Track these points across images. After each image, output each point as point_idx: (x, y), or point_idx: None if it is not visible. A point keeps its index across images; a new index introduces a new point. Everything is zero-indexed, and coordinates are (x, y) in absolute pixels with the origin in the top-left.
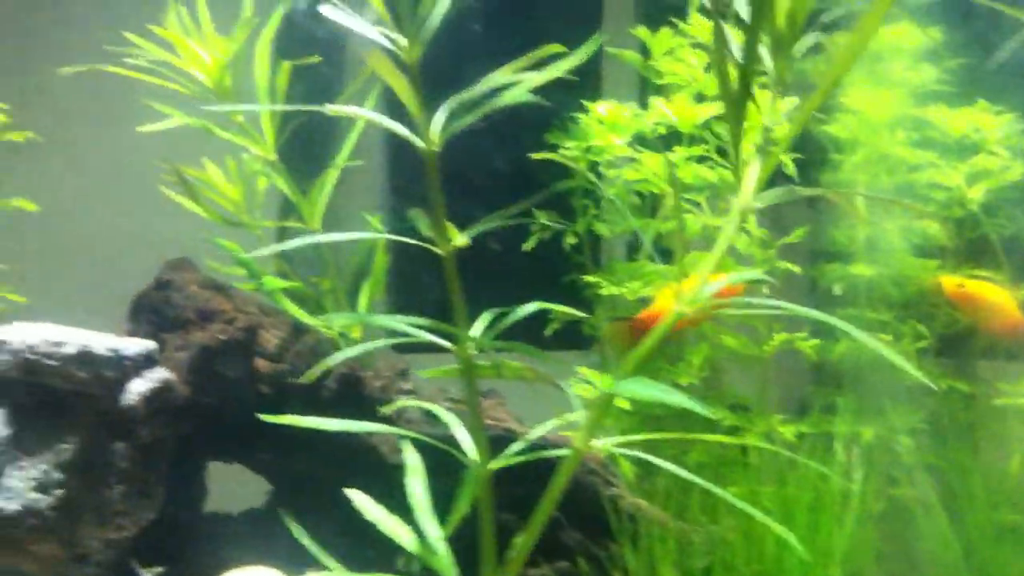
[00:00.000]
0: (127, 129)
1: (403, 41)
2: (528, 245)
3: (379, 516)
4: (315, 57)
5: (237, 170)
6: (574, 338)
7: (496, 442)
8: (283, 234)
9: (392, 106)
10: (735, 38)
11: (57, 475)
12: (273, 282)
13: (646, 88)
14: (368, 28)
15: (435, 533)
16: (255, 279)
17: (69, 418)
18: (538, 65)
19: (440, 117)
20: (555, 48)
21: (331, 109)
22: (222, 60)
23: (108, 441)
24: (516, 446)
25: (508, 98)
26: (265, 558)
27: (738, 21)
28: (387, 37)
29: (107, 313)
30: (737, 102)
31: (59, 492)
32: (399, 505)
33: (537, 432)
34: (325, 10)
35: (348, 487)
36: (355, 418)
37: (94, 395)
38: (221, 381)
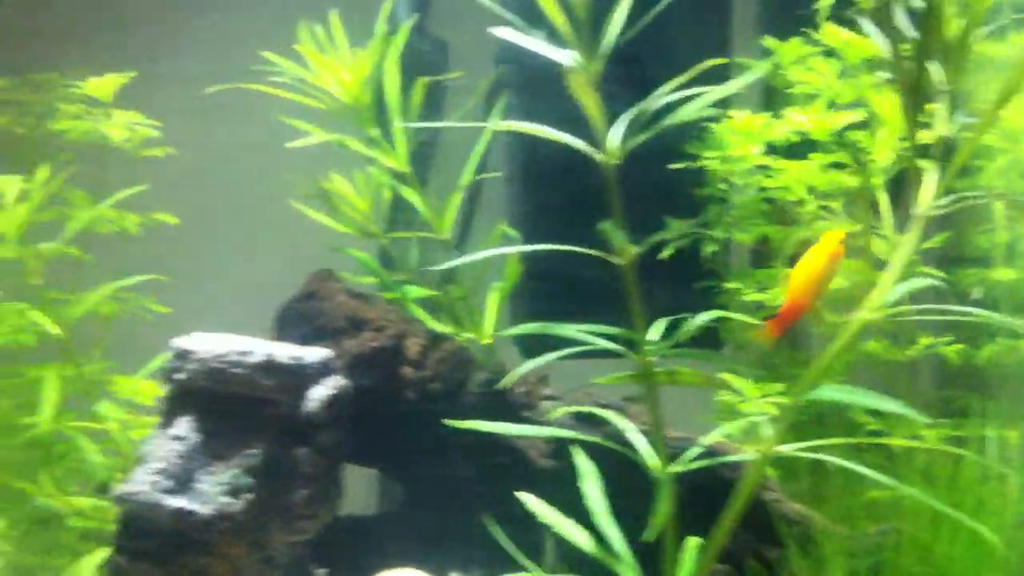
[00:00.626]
0: (257, 144)
1: (581, 59)
2: (665, 254)
3: (554, 518)
4: (457, 72)
5: (365, 183)
6: (706, 341)
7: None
8: (391, 244)
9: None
10: (898, 50)
11: (246, 480)
12: (415, 291)
13: (771, 97)
14: (544, 47)
15: (617, 537)
16: (389, 289)
17: (255, 425)
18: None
19: (619, 131)
20: (716, 62)
21: (501, 125)
22: (361, 76)
23: (291, 446)
24: (693, 451)
25: (686, 114)
26: (402, 560)
27: (892, 30)
28: (564, 55)
29: (240, 322)
30: (911, 112)
31: (248, 496)
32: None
33: (709, 438)
34: (499, 32)
35: (492, 491)
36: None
37: (278, 402)
38: (370, 387)
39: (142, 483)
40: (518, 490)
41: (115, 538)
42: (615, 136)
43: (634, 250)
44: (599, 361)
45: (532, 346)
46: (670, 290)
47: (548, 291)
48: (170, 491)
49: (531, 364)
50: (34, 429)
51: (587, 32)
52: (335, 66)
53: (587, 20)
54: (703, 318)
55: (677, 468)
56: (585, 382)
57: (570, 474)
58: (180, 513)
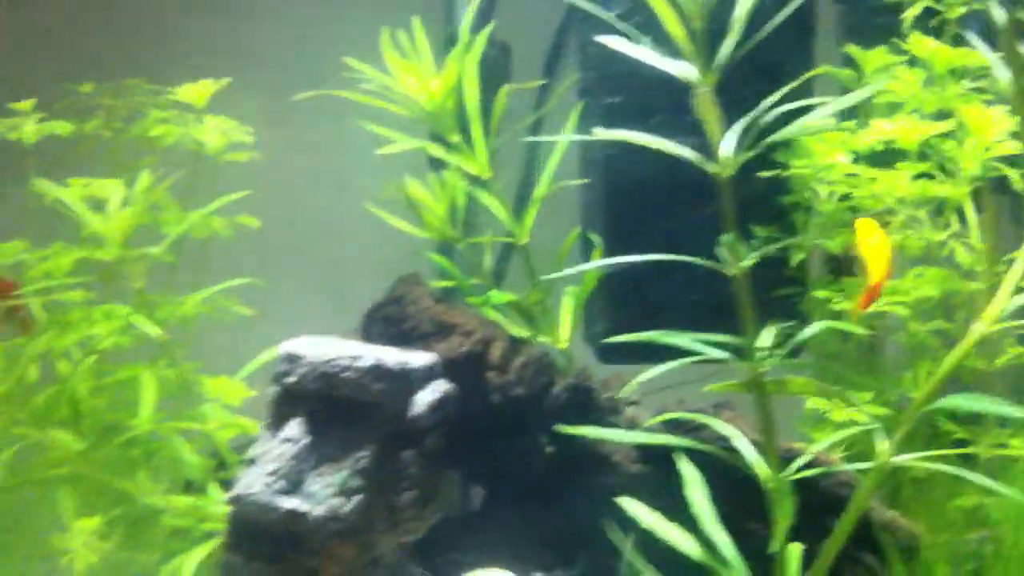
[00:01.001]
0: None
1: (696, 71)
2: (750, 261)
3: (657, 524)
4: (539, 80)
5: (440, 188)
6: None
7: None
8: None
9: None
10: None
11: (355, 481)
12: (499, 296)
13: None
14: (659, 59)
15: (727, 543)
16: (471, 293)
17: (363, 428)
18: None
19: (731, 143)
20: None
21: (600, 133)
22: (449, 85)
23: (398, 449)
24: (801, 460)
25: (802, 128)
26: (485, 558)
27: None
28: (678, 67)
29: (318, 326)
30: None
31: (357, 498)
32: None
33: (815, 447)
34: (611, 42)
35: (577, 496)
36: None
37: (386, 406)
38: (459, 391)
39: (256, 484)
40: (604, 495)
41: (228, 538)
42: (728, 147)
43: (748, 262)
44: (684, 371)
45: (609, 351)
46: (756, 298)
47: (625, 297)
48: (283, 492)
49: (651, 372)
50: (134, 429)
51: (704, 45)
52: (421, 74)
53: (703, 33)
54: (814, 328)
55: (790, 476)
56: (659, 390)
57: (659, 479)
58: (293, 514)
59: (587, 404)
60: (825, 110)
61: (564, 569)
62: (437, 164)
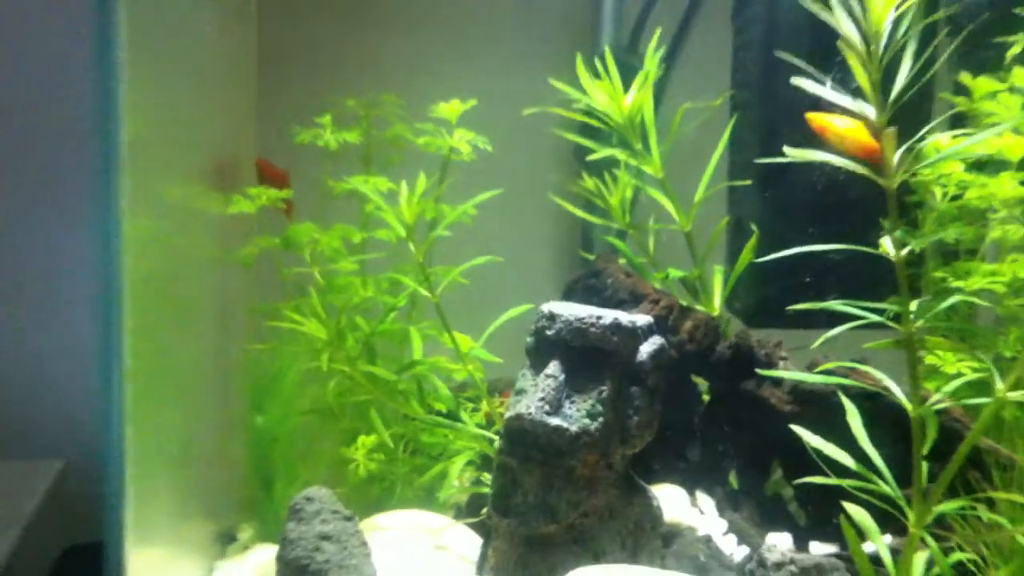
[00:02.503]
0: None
1: (873, 111)
2: (912, 247)
3: (820, 443)
4: (718, 101)
5: (612, 183)
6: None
7: (879, 399)
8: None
9: None
10: None
11: (599, 408)
12: (675, 272)
13: (962, 123)
14: (841, 98)
15: (877, 456)
16: (652, 271)
17: (604, 369)
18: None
19: (897, 160)
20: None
21: (791, 152)
22: (640, 103)
23: (628, 386)
24: (934, 398)
25: (956, 152)
26: (664, 476)
27: None
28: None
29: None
30: None
31: (601, 419)
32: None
33: (941, 392)
34: (801, 83)
35: (743, 433)
36: (745, 381)
37: (620, 353)
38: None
39: (532, 407)
40: (763, 430)
41: (506, 445)
42: (895, 165)
43: (909, 248)
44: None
45: (753, 316)
46: (888, 277)
47: (775, 274)
48: (549, 414)
49: (830, 334)
50: (410, 368)
51: (879, 89)
52: (613, 93)
53: (879, 80)
54: (950, 300)
55: (931, 408)
56: (793, 349)
57: (807, 419)
58: (557, 429)
59: (749, 359)
60: (976, 140)
61: (722, 486)
62: (589, 166)
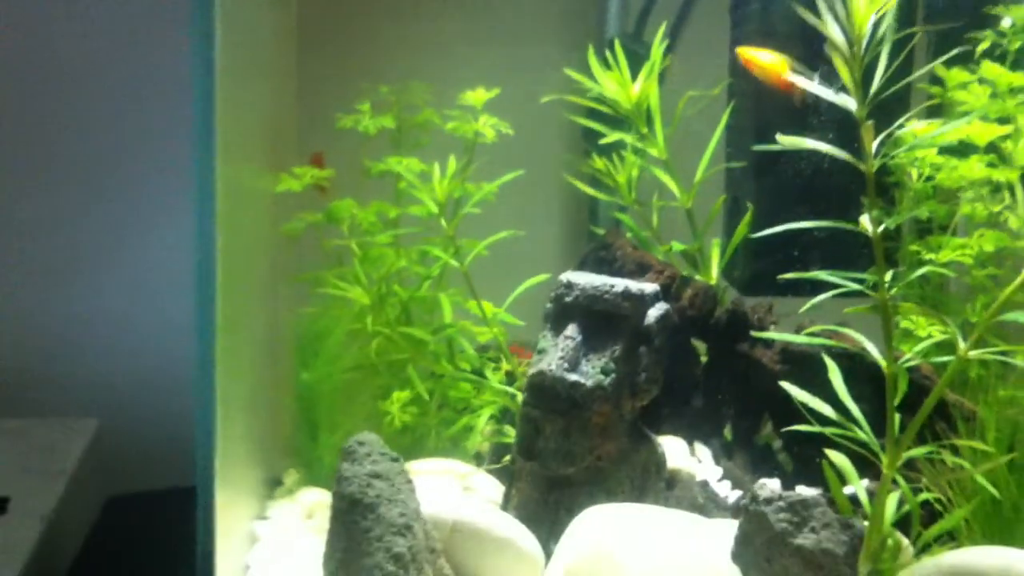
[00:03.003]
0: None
1: (854, 104)
2: (887, 225)
3: (804, 396)
4: (716, 90)
5: (619, 163)
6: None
7: (857, 359)
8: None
9: None
10: None
11: (611, 366)
12: (677, 245)
13: (932, 112)
14: (829, 93)
15: (855, 408)
16: (656, 244)
17: (616, 331)
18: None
19: (876, 148)
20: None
21: (783, 140)
22: (649, 91)
23: (637, 346)
24: (906, 357)
25: (932, 140)
26: (668, 427)
27: None
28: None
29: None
30: None
31: (613, 376)
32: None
33: (913, 352)
34: (794, 78)
35: (737, 388)
36: (740, 342)
37: (630, 317)
38: None
39: (553, 364)
40: (756, 387)
41: (530, 399)
42: (873, 152)
43: (885, 226)
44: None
45: (747, 285)
46: (867, 251)
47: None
48: (568, 370)
49: (814, 301)
50: (445, 331)
51: (860, 86)
52: (622, 81)
53: (860, 78)
54: (923, 270)
55: (903, 365)
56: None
57: (794, 377)
58: (575, 384)
59: (743, 323)
60: (950, 127)
61: (718, 437)
62: (598, 148)
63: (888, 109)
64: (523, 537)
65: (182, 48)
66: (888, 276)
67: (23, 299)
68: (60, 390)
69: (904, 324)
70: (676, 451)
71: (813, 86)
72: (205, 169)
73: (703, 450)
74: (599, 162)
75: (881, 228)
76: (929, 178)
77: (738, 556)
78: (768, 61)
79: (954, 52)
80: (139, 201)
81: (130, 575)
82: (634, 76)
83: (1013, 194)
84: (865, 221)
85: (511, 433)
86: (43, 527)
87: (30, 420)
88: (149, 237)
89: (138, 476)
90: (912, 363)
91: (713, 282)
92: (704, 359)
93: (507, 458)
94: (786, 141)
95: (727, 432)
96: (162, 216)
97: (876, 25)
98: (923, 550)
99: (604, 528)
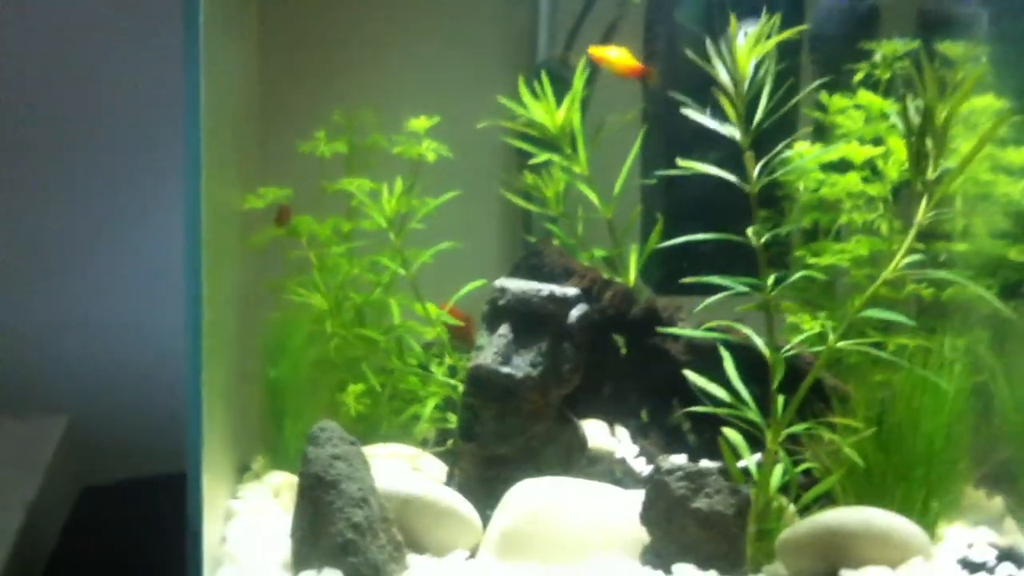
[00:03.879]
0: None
1: (739, 134)
2: (767, 237)
3: (702, 383)
4: (630, 115)
5: (548, 179)
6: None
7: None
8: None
9: None
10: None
11: (539, 359)
12: (599, 252)
13: (819, 134)
14: (717, 125)
15: (745, 391)
16: (581, 251)
17: (543, 329)
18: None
19: (756, 171)
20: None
21: (682, 163)
22: (571, 116)
23: (561, 342)
24: (786, 347)
25: (812, 162)
26: (588, 411)
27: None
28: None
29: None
30: (916, 162)
31: (541, 368)
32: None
33: (795, 342)
34: (688, 112)
35: (648, 376)
36: (652, 337)
37: (555, 317)
38: None
39: (489, 358)
40: (666, 375)
41: (469, 389)
42: (755, 175)
43: (765, 236)
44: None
45: (661, 286)
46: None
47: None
48: (502, 364)
49: (710, 300)
50: (392, 331)
51: (744, 116)
52: (548, 108)
53: (744, 109)
54: (801, 274)
55: (783, 354)
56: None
57: (698, 365)
58: (508, 376)
59: (655, 320)
60: (830, 151)
61: (634, 419)
62: (530, 168)
63: (778, 131)
64: (464, 507)
65: (150, 61)
66: (771, 279)
67: None
68: (33, 387)
69: (791, 319)
70: (598, 432)
71: (704, 118)
72: (192, 193)
73: (621, 431)
74: (530, 178)
75: (764, 239)
76: (814, 191)
77: (645, 518)
78: (615, 56)
79: (827, 79)
80: (112, 203)
81: (107, 559)
82: (561, 98)
83: (885, 205)
84: (751, 233)
85: (453, 419)
86: (25, 515)
87: (4, 417)
88: (121, 239)
89: (112, 467)
90: (794, 352)
91: (631, 284)
92: (624, 351)
93: (450, 441)
94: (684, 164)
95: (643, 415)
96: (134, 218)
97: (758, 66)
98: (803, 512)
99: (534, 497)
